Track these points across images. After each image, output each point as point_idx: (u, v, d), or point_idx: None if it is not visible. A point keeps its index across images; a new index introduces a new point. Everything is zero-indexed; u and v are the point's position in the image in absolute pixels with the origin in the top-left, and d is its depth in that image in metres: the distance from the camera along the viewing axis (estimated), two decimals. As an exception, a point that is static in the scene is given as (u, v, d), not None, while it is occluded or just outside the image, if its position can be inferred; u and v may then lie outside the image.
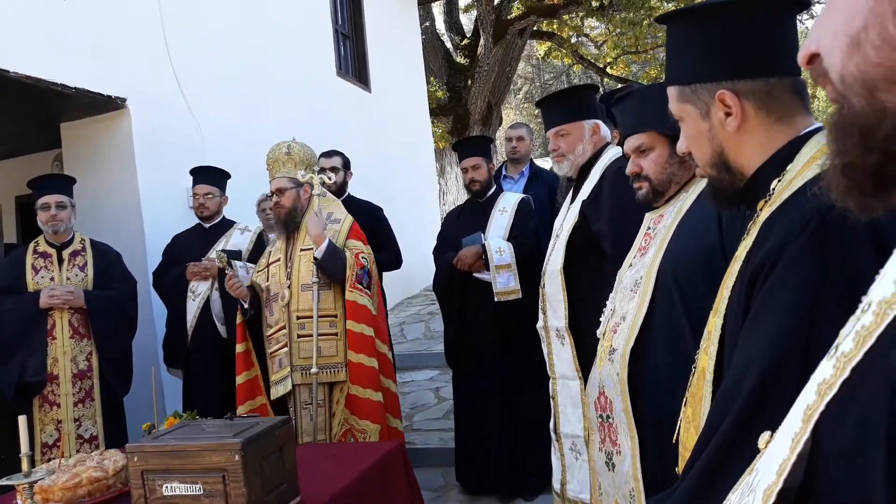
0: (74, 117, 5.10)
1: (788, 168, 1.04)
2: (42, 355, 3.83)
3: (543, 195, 4.40)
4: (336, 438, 3.31)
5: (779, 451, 0.73)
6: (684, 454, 1.16)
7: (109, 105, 4.89)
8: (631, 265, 1.92)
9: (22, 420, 2.03)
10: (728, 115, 1.13)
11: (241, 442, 1.92)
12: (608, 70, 16.07)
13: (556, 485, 2.54)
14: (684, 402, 1.16)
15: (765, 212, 1.03)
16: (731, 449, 0.86)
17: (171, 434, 2.11)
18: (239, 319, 3.60)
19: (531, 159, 4.98)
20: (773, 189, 1.03)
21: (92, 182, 4.97)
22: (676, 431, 1.19)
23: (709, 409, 0.95)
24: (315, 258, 3.34)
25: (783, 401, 0.79)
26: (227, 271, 3.48)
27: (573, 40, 15.72)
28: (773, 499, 0.69)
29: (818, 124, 1.09)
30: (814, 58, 0.68)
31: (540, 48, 16.16)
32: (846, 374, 0.66)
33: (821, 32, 0.66)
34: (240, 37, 6.22)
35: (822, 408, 0.68)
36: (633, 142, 1.93)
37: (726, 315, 1.05)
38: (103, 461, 2.49)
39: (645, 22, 12.52)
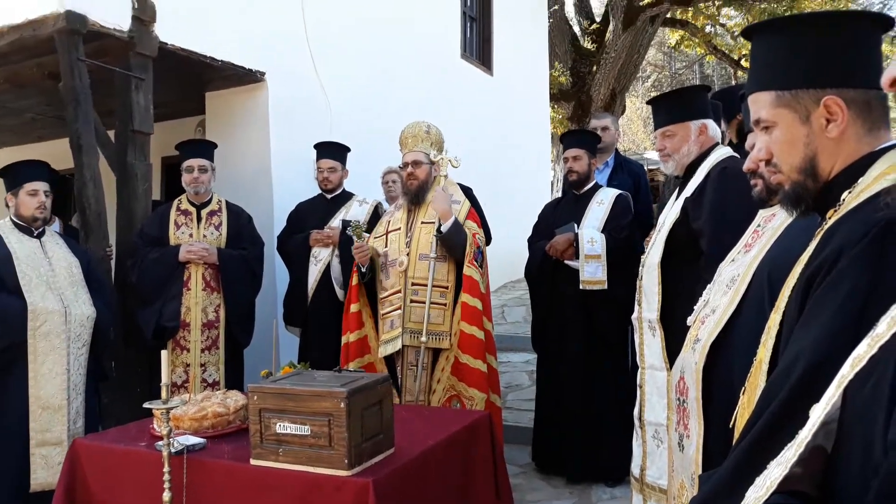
0: (218, 87, 5.56)
1: (860, 181, 1.10)
2: (177, 304, 4.25)
3: (628, 186, 4.39)
4: (441, 403, 3.49)
5: (816, 413, 0.85)
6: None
7: (250, 77, 5.30)
8: (733, 260, 1.95)
9: (164, 354, 2.34)
10: (829, 121, 1.17)
11: (346, 391, 2.13)
12: (742, 63, 15.25)
13: (636, 470, 2.63)
14: (742, 390, 1.25)
15: (832, 220, 1.10)
16: (775, 428, 0.96)
17: (287, 380, 2.37)
18: (354, 281, 3.83)
19: (616, 150, 4.95)
20: (843, 199, 1.10)
21: (229, 147, 5.39)
22: (734, 417, 1.28)
23: (759, 395, 1.05)
24: (440, 231, 3.53)
25: (826, 388, 0.89)
26: (357, 241, 3.73)
27: (707, 29, 15.06)
28: (802, 448, 0.82)
29: (894, 140, 1.14)
30: None
31: (672, 36, 15.61)
32: (875, 350, 0.78)
33: None
34: (371, 17, 6.50)
35: (851, 377, 0.80)
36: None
37: (785, 312, 1.13)
38: (226, 399, 2.81)
39: (787, 13, 11.86)
